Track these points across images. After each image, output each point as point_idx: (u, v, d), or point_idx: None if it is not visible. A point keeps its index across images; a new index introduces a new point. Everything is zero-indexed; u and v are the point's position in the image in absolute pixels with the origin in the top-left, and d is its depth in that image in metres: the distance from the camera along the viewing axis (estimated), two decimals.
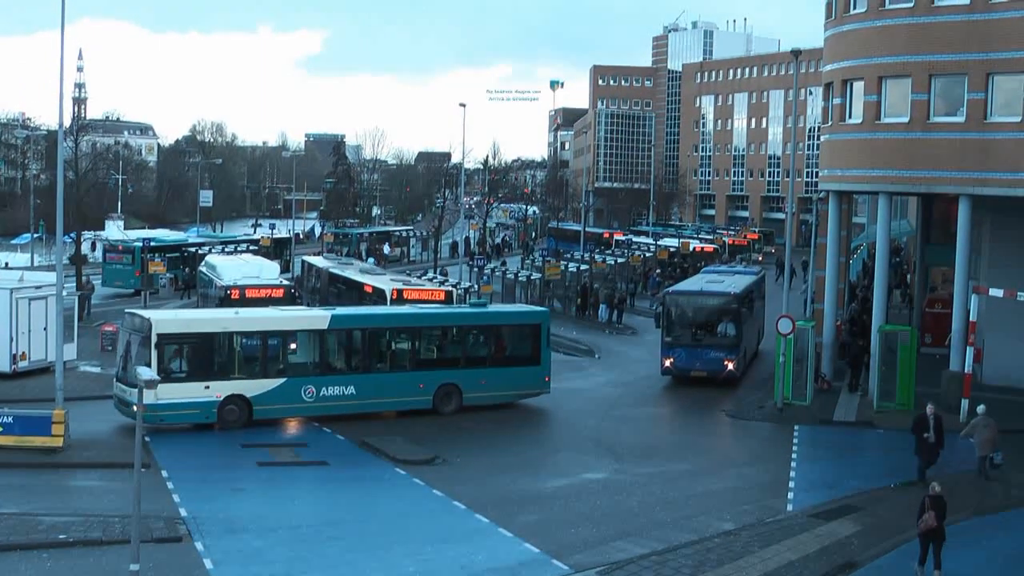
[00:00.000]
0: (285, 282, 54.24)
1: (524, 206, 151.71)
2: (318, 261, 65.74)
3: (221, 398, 35.69)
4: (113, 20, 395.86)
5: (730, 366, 45.47)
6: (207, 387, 35.51)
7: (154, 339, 34.72)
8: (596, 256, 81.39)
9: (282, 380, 36.59)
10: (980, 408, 32.26)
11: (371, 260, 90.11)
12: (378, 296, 47.83)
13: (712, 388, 44.85)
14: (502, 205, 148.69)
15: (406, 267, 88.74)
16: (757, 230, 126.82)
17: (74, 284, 60.33)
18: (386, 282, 49.44)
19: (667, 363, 46.24)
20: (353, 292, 51.90)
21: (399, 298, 46.76)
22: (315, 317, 39.19)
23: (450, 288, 50.48)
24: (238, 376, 36.35)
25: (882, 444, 36.92)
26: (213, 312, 42.92)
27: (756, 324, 53.04)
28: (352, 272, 56.35)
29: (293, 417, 37.02)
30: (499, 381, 40.38)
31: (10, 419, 31.79)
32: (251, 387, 36.11)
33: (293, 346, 37.87)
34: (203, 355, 36.10)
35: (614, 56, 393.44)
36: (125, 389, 34.80)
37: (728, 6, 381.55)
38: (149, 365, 33.83)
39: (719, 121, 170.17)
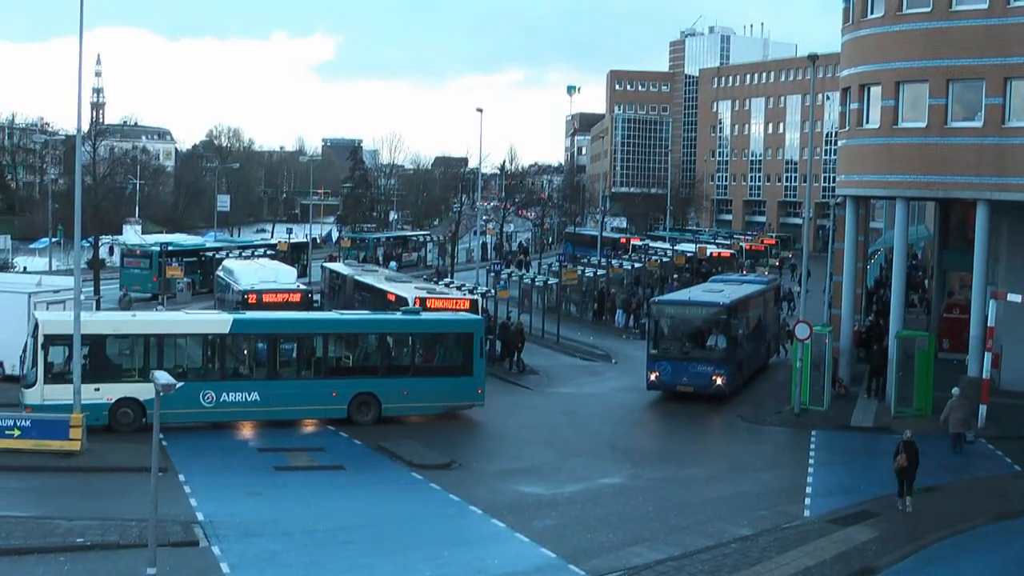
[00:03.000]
0: (302, 287, 54.34)
1: (541, 210, 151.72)
2: (341, 268, 65.52)
3: (112, 400, 35.15)
4: (129, 27, 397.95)
5: (719, 381, 43.15)
6: (97, 389, 34.86)
7: (41, 339, 34.66)
8: (613, 261, 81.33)
9: (179, 384, 35.45)
10: (955, 390, 35.73)
11: (393, 265, 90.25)
12: (401, 304, 47.48)
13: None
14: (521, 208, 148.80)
15: (422, 271, 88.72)
16: (774, 235, 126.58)
17: (91, 289, 60.54)
18: (410, 290, 49.04)
19: (652, 377, 44.13)
20: (377, 299, 51.77)
21: (422, 306, 46.55)
22: (216, 321, 38.61)
23: (476, 297, 50.08)
24: (131, 379, 35.76)
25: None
26: (108, 314, 41.95)
27: (761, 336, 51.75)
28: (376, 279, 56.12)
29: (192, 423, 36.03)
30: (424, 392, 38.61)
31: (28, 423, 31.92)
32: (144, 390, 34.22)
33: (192, 350, 37.17)
34: (94, 357, 35.51)
35: (625, 61, 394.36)
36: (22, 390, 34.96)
37: (744, 11, 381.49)
38: (36, 365, 34.30)
39: (736, 126, 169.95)
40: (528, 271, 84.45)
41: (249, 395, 36.86)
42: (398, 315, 41.42)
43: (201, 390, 36.13)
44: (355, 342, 40.15)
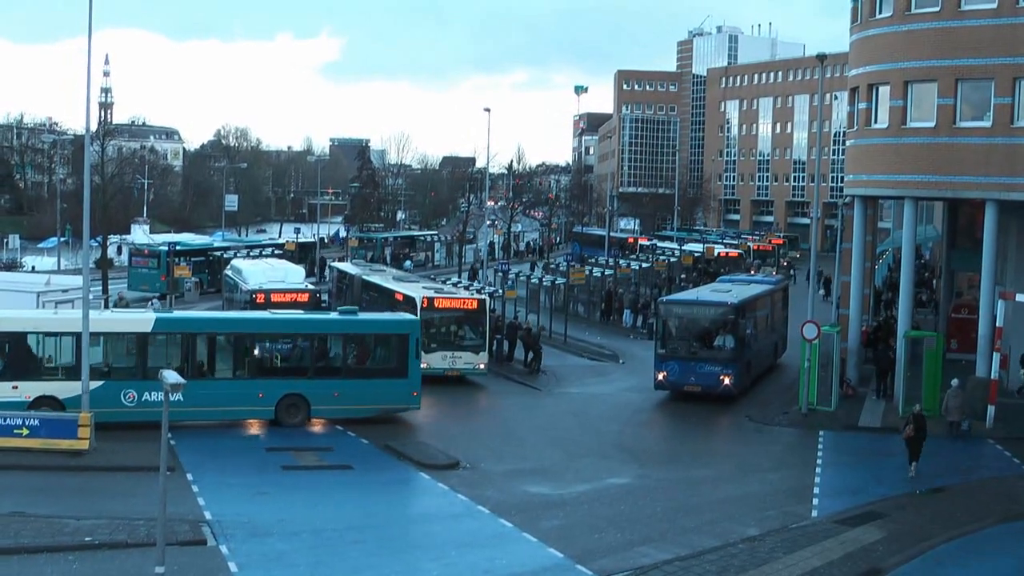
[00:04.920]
0: (310, 286, 54.38)
1: (548, 210, 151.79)
2: (349, 267, 65.58)
3: (31, 399, 34.61)
4: (136, 29, 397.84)
5: (727, 381, 43.05)
6: (15, 387, 34.59)
7: None
8: (620, 261, 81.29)
9: (99, 383, 34.80)
10: (953, 382, 37.65)
11: (408, 264, 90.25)
12: (408, 304, 47.48)
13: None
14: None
15: (431, 271, 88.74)
16: (782, 235, 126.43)
17: (100, 288, 60.64)
18: (418, 290, 49.14)
19: (660, 377, 43.98)
20: (385, 299, 51.82)
21: (429, 306, 46.49)
22: (138, 320, 37.96)
23: (484, 297, 50.18)
24: (49, 377, 35.50)
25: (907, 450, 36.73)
26: (27, 312, 41.46)
27: (769, 336, 51.73)
28: (384, 279, 56.19)
29: (112, 422, 34.72)
30: (356, 394, 37.64)
31: (36, 422, 31.98)
32: (63, 389, 34.52)
33: (114, 348, 36.79)
34: (12, 355, 35.31)
35: (630, 62, 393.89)
36: None
37: (752, 11, 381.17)
38: None
39: (744, 126, 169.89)
40: (536, 270, 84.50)
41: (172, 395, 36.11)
42: (332, 315, 40.80)
43: (123, 389, 35.54)
44: (283, 342, 39.27)
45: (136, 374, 36.29)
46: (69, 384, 34.57)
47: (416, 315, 45.25)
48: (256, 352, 38.35)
